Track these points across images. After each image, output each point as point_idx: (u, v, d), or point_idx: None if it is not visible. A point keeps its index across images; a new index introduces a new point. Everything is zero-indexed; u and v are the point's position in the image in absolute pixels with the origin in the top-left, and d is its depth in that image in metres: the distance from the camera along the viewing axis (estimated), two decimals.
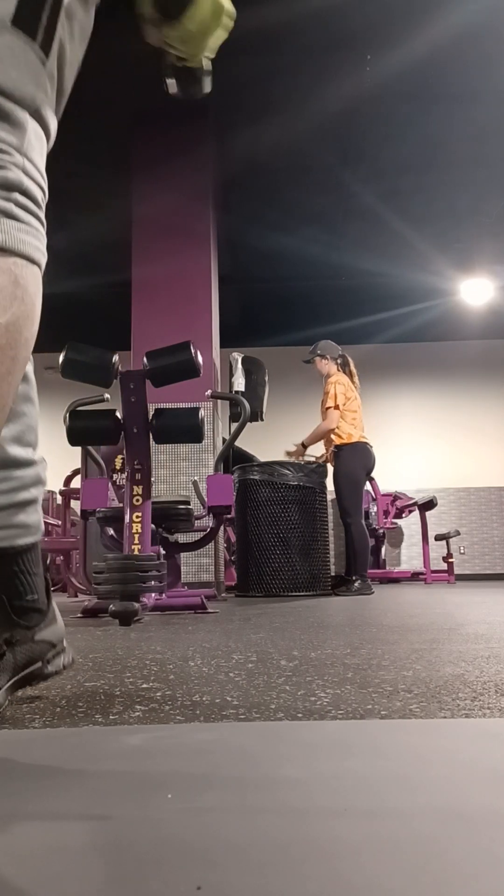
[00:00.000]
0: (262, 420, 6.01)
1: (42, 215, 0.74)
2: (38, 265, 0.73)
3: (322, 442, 5.46)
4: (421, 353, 11.11)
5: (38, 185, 0.73)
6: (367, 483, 8.62)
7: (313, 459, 5.46)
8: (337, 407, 5.20)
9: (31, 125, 0.73)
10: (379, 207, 7.41)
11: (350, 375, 5.45)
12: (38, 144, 0.74)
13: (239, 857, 0.50)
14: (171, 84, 1.00)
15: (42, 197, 0.74)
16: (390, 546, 10.45)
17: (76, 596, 5.64)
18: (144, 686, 1.22)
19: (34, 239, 0.72)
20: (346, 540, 5.24)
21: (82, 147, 6.35)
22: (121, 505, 3.51)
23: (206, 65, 0.99)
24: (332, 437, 5.26)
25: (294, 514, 5.08)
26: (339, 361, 5.51)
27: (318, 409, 5.64)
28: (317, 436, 5.33)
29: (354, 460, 5.25)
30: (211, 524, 4.02)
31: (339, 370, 5.46)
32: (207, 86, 1.01)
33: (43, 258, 0.74)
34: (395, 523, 9.56)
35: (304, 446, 5.44)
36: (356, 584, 5.04)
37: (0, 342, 0.69)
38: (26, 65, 0.71)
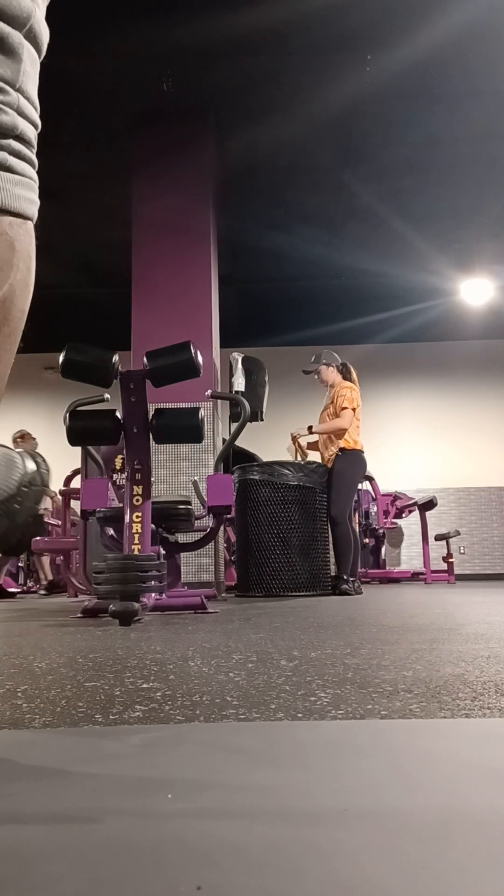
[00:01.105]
0: (262, 420, 6.00)
1: (34, 156, 0.67)
2: (32, 219, 0.66)
3: (320, 442, 5.46)
4: (421, 353, 11.11)
5: (32, 123, 0.66)
6: (367, 483, 8.68)
7: (305, 439, 5.46)
8: (354, 409, 5.21)
9: (26, 48, 0.64)
10: (379, 207, 7.41)
11: (353, 383, 5.45)
12: (32, 70, 0.65)
13: (239, 858, 0.50)
14: None
15: (35, 134, 0.67)
16: (390, 546, 10.45)
17: (76, 596, 5.64)
18: (144, 686, 1.22)
19: (28, 191, 0.65)
20: (331, 541, 5.22)
21: (82, 147, 6.35)
22: (121, 505, 3.50)
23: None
24: (339, 440, 5.25)
25: (294, 514, 5.08)
26: (341, 370, 5.50)
27: (319, 411, 5.63)
28: (328, 429, 5.32)
29: (355, 466, 5.27)
30: (211, 524, 4.02)
31: (342, 379, 5.45)
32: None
33: (36, 208, 0.67)
34: (395, 523, 9.56)
35: (311, 431, 5.42)
36: (353, 583, 5.04)
37: None
38: None
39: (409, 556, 10.62)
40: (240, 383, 5.81)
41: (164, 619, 2.89)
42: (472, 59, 5.37)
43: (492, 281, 8.83)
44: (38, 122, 0.68)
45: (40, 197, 0.69)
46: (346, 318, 9.94)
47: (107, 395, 3.95)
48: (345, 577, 5.07)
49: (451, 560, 7.98)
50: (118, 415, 3.16)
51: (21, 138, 0.65)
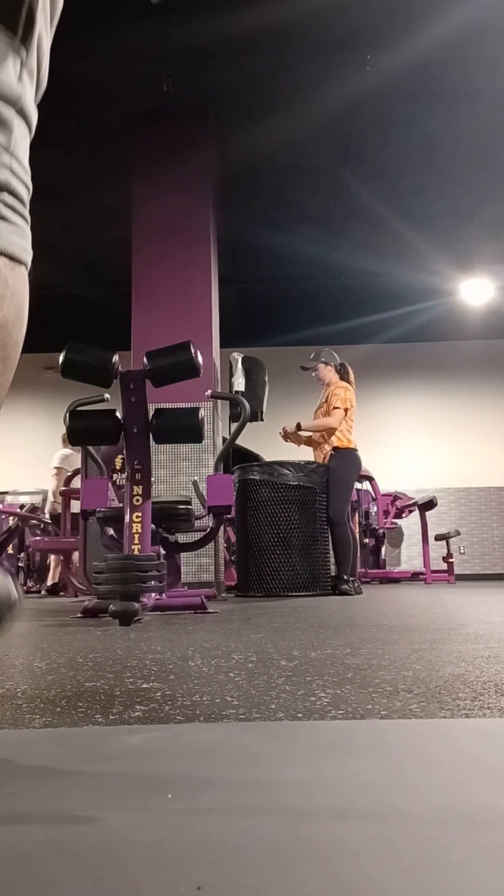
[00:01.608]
0: (262, 420, 6.00)
1: (27, 213, 0.75)
2: (25, 265, 0.74)
3: (314, 441, 5.47)
4: (421, 353, 11.11)
5: (24, 184, 0.74)
6: (367, 483, 8.68)
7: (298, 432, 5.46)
8: (346, 410, 5.22)
9: (17, 123, 0.73)
10: (379, 207, 7.41)
11: (350, 384, 5.46)
12: (22, 142, 0.74)
13: (239, 858, 0.50)
14: None
15: (27, 194, 0.75)
16: (390, 546, 10.45)
17: (76, 596, 5.64)
18: (144, 686, 1.22)
19: (21, 239, 0.73)
20: (331, 541, 5.22)
21: (82, 147, 6.35)
22: (121, 505, 3.51)
23: None
24: (333, 439, 5.26)
25: (294, 514, 5.08)
26: (338, 370, 5.51)
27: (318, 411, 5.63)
28: (317, 427, 5.33)
29: (351, 465, 5.28)
30: (211, 524, 4.02)
31: (338, 379, 5.46)
32: None
33: (29, 257, 0.74)
34: (395, 523, 9.56)
35: (300, 428, 5.43)
36: (352, 583, 5.05)
37: None
38: (9, 62, 0.72)
39: (409, 556, 10.61)
40: (240, 383, 5.81)
41: (164, 619, 2.89)
42: (472, 59, 5.37)
43: (492, 281, 8.83)
44: (30, 185, 0.76)
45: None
46: (346, 318, 9.94)
47: (107, 395, 3.95)
48: (345, 577, 5.07)
49: (451, 560, 7.98)
50: (118, 415, 3.16)
51: (14, 195, 0.72)
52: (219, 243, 6.37)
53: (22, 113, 0.74)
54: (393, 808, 0.60)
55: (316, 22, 5.01)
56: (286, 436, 5.51)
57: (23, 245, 0.73)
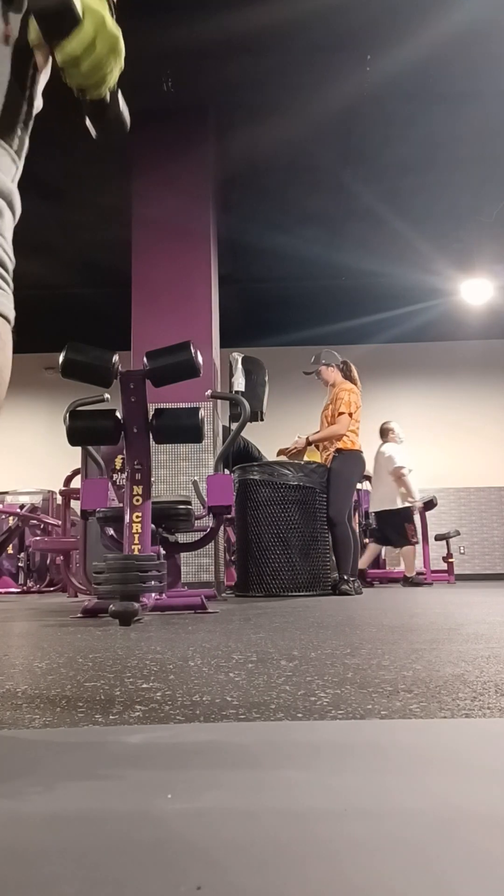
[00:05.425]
0: (261, 420, 6.00)
1: (10, 279, 0.96)
2: (10, 322, 0.95)
3: (319, 444, 5.48)
4: (421, 353, 11.10)
5: (8, 255, 0.95)
6: (368, 483, 8.67)
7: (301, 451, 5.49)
8: (350, 414, 5.24)
9: (6, 212, 0.94)
10: (379, 207, 7.41)
11: (354, 382, 5.46)
12: (9, 223, 0.96)
13: (239, 857, 0.50)
14: (90, 127, 1.05)
15: (10, 264, 0.96)
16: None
17: (76, 596, 5.64)
18: (144, 686, 1.22)
19: (8, 301, 0.94)
20: (331, 542, 5.22)
21: (82, 147, 6.35)
22: (121, 505, 3.50)
23: (117, 100, 1.03)
24: (337, 441, 5.28)
25: (294, 514, 5.08)
26: (341, 368, 5.51)
27: (319, 411, 5.63)
28: (325, 437, 5.35)
29: (354, 466, 5.29)
30: (211, 524, 4.02)
31: (343, 378, 5.47)
32: (124, 121, 1.05)
33: (13, 315, 0.96)
34: None
35: (309, 443, 5.44)
36: (352, 583, 5.04)
37: None
38: (5, 168, 0.93)
39: None
40: (240, 383, 5.80)
41: (164, 619, 2.89)
42: (472, 58, 5.36)
43: (492, 281, 8.83)
44: (12, 257, 0.96)
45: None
46: (346, 318, 9.93)
47: (107, 395, 3.95)
48: (345, 577, 5.07)
49: (451, 560, 7.97)
50: (118, 415, 3.16)
51: (4, 267, 0.93)
52: (219, 243, 6.37)
53: (10, 204, 0.95)
54: (393, 808, 0.60)
55: (316, 22, 5.01)
56: (293, 454, 5.52)
57: (9, 305, 0.93)
